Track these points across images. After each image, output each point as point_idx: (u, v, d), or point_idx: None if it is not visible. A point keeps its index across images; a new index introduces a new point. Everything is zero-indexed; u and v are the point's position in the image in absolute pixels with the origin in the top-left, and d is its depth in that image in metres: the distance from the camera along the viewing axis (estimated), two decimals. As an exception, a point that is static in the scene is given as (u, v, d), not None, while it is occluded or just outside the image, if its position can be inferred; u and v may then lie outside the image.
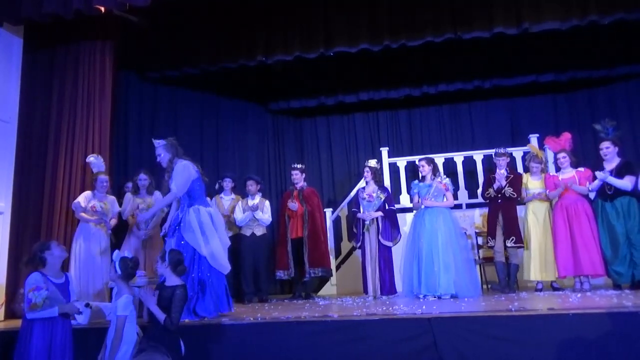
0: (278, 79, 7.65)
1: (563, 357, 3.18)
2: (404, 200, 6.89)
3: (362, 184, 6.12)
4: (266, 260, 5.97)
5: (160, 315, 3.21)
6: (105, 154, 5.41)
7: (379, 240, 5.45)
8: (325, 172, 8.49)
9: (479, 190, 6.32)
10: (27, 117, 5.19)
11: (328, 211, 7.03)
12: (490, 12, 5.77)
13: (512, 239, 5.29)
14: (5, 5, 4.73)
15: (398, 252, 5.54)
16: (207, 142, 7.66)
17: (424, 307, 3.97)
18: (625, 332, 3.16)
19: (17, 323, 3.71)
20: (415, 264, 5.12)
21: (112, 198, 5.12)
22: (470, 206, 6.78)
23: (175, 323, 3.24)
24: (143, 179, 5.29)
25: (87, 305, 3.41)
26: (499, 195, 5.42)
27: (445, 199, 5.26)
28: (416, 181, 5.49)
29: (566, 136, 5.50)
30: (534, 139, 6.76)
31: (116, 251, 3.47)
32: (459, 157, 7.15)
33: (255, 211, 5.72)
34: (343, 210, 7.42)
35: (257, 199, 5.92)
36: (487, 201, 5.60)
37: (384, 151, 7.41)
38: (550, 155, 6.23)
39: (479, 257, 6.11)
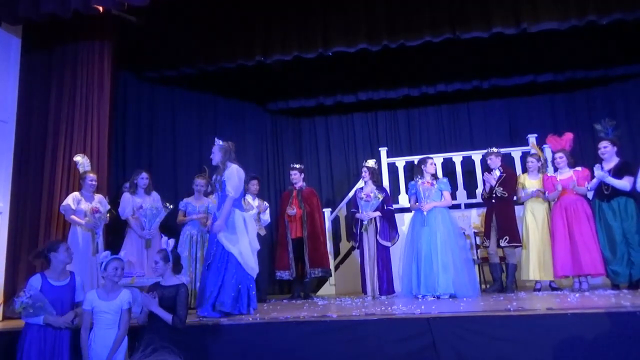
0: (276, 79, 7.64)
1: (562, 357, 3.19)
2: (403, 200, 6.89)
3: (360, 184, 6.12)
4: (265, 261, 5.96)
5: (167, 316, 3.20)
6: (104, 154, 5.40)
7: (377, 241, 5.45)
8: (324, 172, 8.49)
9: (478, 190, 6.33)
10: (25, 117, 5.17)
11: (327, 211, 7.03)
12: (488, 12, 5.78)
13: (506, 239, 5.31)
14: (3, 4, 4.71)
15: (396, 253, 5.54)
16: (205, 142, 7.64)
17: (422, 307, 3.98)
18: (624, 332, 3.16)
19: (16, 323, 3.71)
20: (414, 264, 5.13)
21: (100, 197, 5.08)
22: (468, 206, 6.79)
23: (184, 321, 3.29)
24: (145, 177, 5.28)
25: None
26: (492, 196, 5.45)
27: (443, 199, 5.27)
28: (414, 181, 5.50)
29: (568, 136, 5.50)
30: (532, 139, 6.77)
31: (107, 252, 3.45)
32: (457, 157, 7.16)
33: (263, 212, 5.73)
34: (342, 210, 7.42)
35: (257, 200, 5.91)
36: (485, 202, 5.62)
37: (383, 151, 7.41)
38: (549, 154, 6.25)
39: (477, 257, 6.12)
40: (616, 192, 4.95)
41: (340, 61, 6.81)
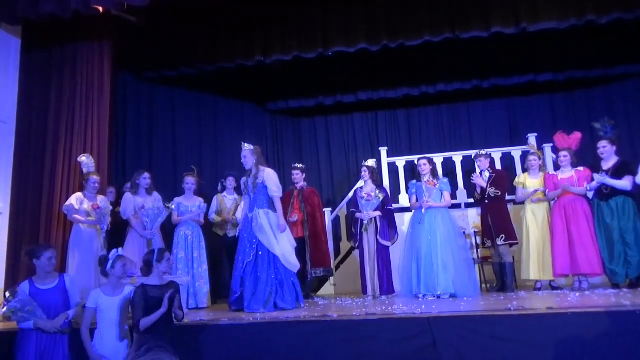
0: (276, 79, 7.65)
1: (562, 356, 3.19)
2: (403, 200, 6.89)
3: (360, 184, 6.12)
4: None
5: (179, 313, 3.32)
6: (104, 154, 5.40)
7: (377, 240, 5.45)
8: (324, 172, 8.50)
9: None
10: (25, 117, 5.18)
11: (327, 211, 7.02)
12: (488, 12, 5.79)
13: (502, 237, 5.33)
14: (2, 5, 4.71)
15: (396, 252, 5.54)
16: (205, 142, 7.66)
17: (423, 306, 3.97)
18: (624, 331, 3.17)
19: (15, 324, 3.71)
20: (414, 263, 5.13)
21: (103, 198, 5.09)
22: (468, 206, 6.79)
23: (184, 315, 3.43)
24: (147, 177, 5.27)
25: (83, 305, 3.41)
26: (485, 197, 5.46)
27: (443, 199, 5.28)
28: (414, 181, 5.51)
29: (576, 136, 5.47)
30: (532, 138, 6.78)
31: (114, 250, 3.46)
32: (457, 157, 7.16)
33: None
34: (342, 210, 7.42)
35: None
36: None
37: (383, 151, 7.41)
38: (549, 154, 6.26)
39: (477, 256, 6.12)
40: (615, 192, 4.95)
41: (340, 61, 6.81)
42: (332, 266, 6.55)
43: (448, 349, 3.33)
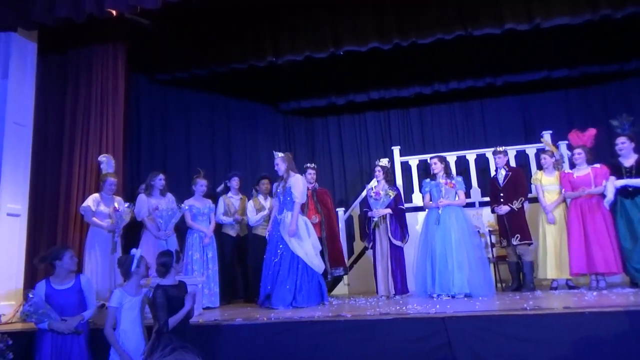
0: (288, 79, 7.66)
1: (579, 356, 3.15)
2: (416, 199, 6.85)
3: (373, 183, 6.10)
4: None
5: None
6: (119, 156, 5.47)
7: (389, 240, 5.43)
8: (337, 172, 8.49)
9: (490, 189, 6.28)
10: (42, 120, 5.26)
11: (340, 211, 7.02)
12: (500, 8, 5.72)
13: (517, 237, 5.28)
14: (19, 10, 4.79)
15: (410, 252, 5.52)
16: (218, 142, 7.71)
17: (437, 306, 3.96)
18: (643, 331, 3.12)
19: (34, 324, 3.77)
20: (428, 263, 5.10)
21: (120, 199, 5.15)
22: (483, 204, 6.73)
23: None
24: (162, 179, 5.32)
25: (102, 306, 3.46)
26: (501, 195, 5.40)
27: (457, 198, 5.24)
28: (428, 179, 5.48)
29: (590, 132, 5.38)
30: (547, 135, 6.70)
31: (134, 249, 3.50)
32: (471, 155, 7.10)
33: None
34: (355, 210, 7.41)
35: (269, 200, 5.92)
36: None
37: (396, 150, 7.38)
38: (564, 152, 6.17)
39: (492, 255, 6.06)
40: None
41: (352, 60, 6.80)
42: (347, 266, 6.54)
43: (463, 349, 3.31)
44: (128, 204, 5.12)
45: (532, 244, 5.34)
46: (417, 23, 5.94)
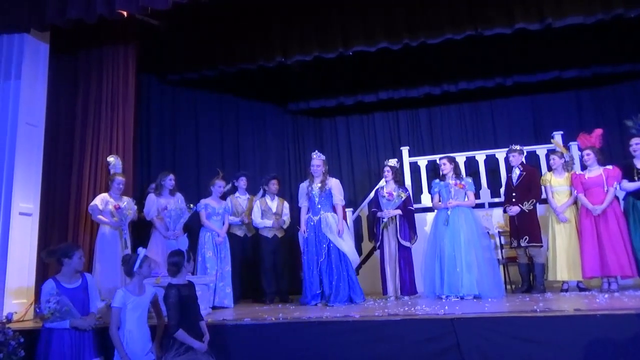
0: (297, 80, 7.67)
1: (590, 359, 3.11)
2: (425, 199, 6.83)
3: (382, 183, 6.09)
4: (287, 260, 5.98)
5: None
6: (129, 156, 5.51)
7: (398, 241, 5.42)
8: (345, 172, 8.47)
9: (502, 190, 6.24)
10: (53, 121, 5.31)
11: (348, 211, 7.01)
12: (511, 7, 5.68)
13: (525, 239, 5.24)
14: (31, 11, 4.85)
15: (418, 252, 5.50)
16: (227, 143, 7.74)
17: (446, 307, 3.93)
18: (656, 334, 3.08)
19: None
20: (437, 264, 5.08)
21: (127, 198, 5.19)
22: (492, 205, 6.69)
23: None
24: (172, 179, 5.37)
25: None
26: (514, 195, 5.36)
27: (466, 199, 5.22)
28: (437, 180, 5.45)
29: (596, 132, 5.34)
30: (557, 136, 6.64)
31: (140, 249, 3.52)
32: (480, 156, 7.05)
33: (283, 224, 5.80)
34: (363, 210, 7.40)
35: (277, 200, 5.94)
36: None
37: (405, 150, 7.36)
38: (575, 153, 6.11)
39: (502, 257, 6.02)
40: None
41: (361, 60, 6.79)
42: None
43: (472, 351, 3.29)
44: (130, 199, 5.16)
45: (542, 246, 5.30)
46: (426, 23, 5.91)
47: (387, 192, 5.51)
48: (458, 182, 5.25)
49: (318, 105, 8.17)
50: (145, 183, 6.29)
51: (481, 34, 5.84)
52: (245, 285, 5.91)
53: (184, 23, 6.24)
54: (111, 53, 5.63)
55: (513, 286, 5.81)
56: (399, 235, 5.40)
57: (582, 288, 5.23)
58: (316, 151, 5.46)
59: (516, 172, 5.50)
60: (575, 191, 5.17)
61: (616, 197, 5.07)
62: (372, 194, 6.88)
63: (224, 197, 5.79)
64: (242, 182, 6.03)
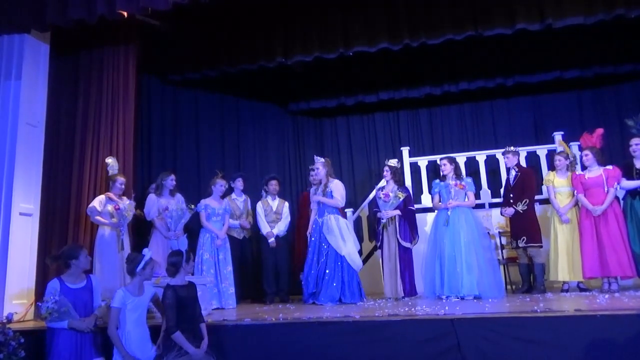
0: (297, 80, 7.67)
1: (591, 360, 3.11)
2: (425, 200, 6.82)
3: (382, 183, 6.09)
4: (286, 261, 5.98)
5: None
6: (129, 156, 5.50)
7: (398, 241, 5.41)
8: (346, 173, 8.47)
9: (502, 190, 6.23)
10: (54, 121, 5.31)
11: (349, 211, 7.01)
12: (511, 8, 5.67)
13: (523, 239, 5.24)
14: (32, 12, 4.85)
15: (418, 253, 5.49)
16: (228, 143, 7.74)
17: (446, 307, 3.93)
18: (657, 335, 3.07)
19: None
20: (437, 264, 5.08)
21: (128, 200, 5.19)
22: (493, 206, 6.68)
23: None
24: (173, 179, 5.37)
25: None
26: (511, 196, 5.36)
27: (467, 199, 5.22)
28: (437, 180, 5.45)
29: (597, 132, 5.35)
30: (558, 136, 6.63)
31: (145, 250, 3.52)
32: (481, 156, 7.05)
33: (281, 229, 5.80)
34: (364, 210, 7.40)
35: (277, 200, 5.93)
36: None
37: (405, 151, 7.36)
38: (577, 153, 6.10)
39: (502, 257, 6.02)
40: None
41: (361, 61, 6.78)
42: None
43: (472, 351, 3.28)
44: (129, 201, 5.16)
45: (541, 246, 5.29)
46: (427, 23, 5.91)
47: (383, 194, 5.52)
48: (458, 182, 5.25)
49: (319, 105, 8.17)
50: (146, 183, 6.29)
51: (482, 35, 5.84)
52: (245, 285, 5.91)
53: (184, 23, 6.24)
54: (112, 53, 5.63)
55: (513, 286, 5.81)
56: (398, 236, 5.39)
57: (583, 288, 5.23)
58: (315, 156, 5.60)
59: (512, 173, 5.52)
60: (576, 191, 5.17)
61: (616, 198, 5.06)
62: (372, 194, 6.88)
63: (223, 197, 5.79)
64: (239, 183, 5.99)
